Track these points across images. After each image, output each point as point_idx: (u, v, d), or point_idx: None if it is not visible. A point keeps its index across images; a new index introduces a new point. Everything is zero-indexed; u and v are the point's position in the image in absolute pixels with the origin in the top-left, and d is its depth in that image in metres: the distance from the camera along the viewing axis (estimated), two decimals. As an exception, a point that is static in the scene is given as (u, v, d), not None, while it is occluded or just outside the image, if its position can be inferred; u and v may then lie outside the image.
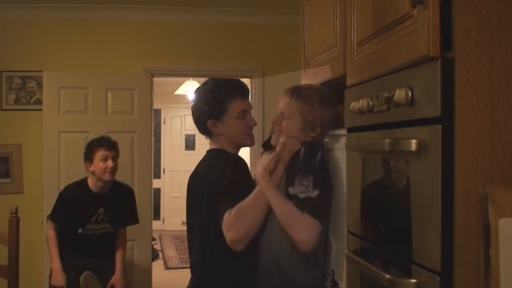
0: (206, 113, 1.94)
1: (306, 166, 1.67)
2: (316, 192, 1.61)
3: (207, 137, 2.03)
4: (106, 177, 3.17)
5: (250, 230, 1.69)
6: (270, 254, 1.73)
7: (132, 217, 3.45)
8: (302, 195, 1.62)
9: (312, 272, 1.74)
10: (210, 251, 1.87)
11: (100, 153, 3.16)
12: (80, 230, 3.21)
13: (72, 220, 3.20)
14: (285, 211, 1.64)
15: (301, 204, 1.62)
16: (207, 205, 1.85)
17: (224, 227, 1.70)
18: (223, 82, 1.99)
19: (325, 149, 1.80)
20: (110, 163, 3.16)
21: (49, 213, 3.34)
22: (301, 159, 1.69)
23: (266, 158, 1.76)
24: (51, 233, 3.21)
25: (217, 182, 1.80)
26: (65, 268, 3.17)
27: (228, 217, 1.69)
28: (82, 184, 3.27)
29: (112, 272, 3.29)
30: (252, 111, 2.07)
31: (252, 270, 1.78)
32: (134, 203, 3.46)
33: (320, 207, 1.63)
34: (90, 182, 3.25)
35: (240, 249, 1.69)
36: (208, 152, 2.02)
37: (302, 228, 1.60)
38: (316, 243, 1.63)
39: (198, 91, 2.01)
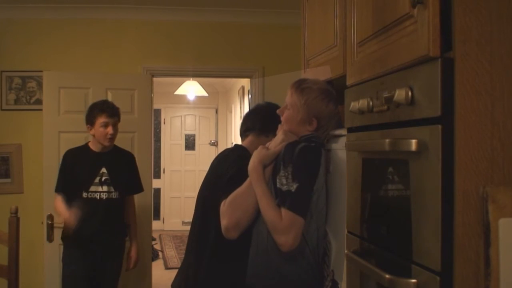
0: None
1: (287, 158, 1.69)
2: (295, 185, 1.64)
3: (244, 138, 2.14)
4: (106, 142, 3.23)
5: (243, 218, 1.75)
6: (261, 238, 1.75)
7: (137, 184, 3.49)
8: (284, 188, 1.66)
9: (301, 267, 1.73)
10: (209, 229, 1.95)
11: (101, 120, 3.18)
12: (85, 194, 3.17)
13: (76, 183, 3.19)
14: (267, 213, 1.68)
15: (282, 197, 1.67)
16: (212, 187, 1.98)
17: (220, 215, 1.78)
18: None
19: (323, 145, 1.80)
20: (110, 130, 3.20)
21: (54, 188, 3.26)
22: (283, 151, 1.72)
23: (262, 150, 1.79)
24: (59, 204, 3.15)
25: (225, 171, 1.92)
26: (72, 250, 3.17)
27: (223, 206, 1.78)
28: (83, 146, 3.34)
29: (118, 259, 3.29)
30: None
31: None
32: (136, 169, 3.49)
33: (300, 201, 1.66)
34: (91, 144, 3.31)
35: (234, 236, 1.76)
36: (235, 145, 2.16)
37: (282, 233, 1.64)
38: (296, 243, 1.66)
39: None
